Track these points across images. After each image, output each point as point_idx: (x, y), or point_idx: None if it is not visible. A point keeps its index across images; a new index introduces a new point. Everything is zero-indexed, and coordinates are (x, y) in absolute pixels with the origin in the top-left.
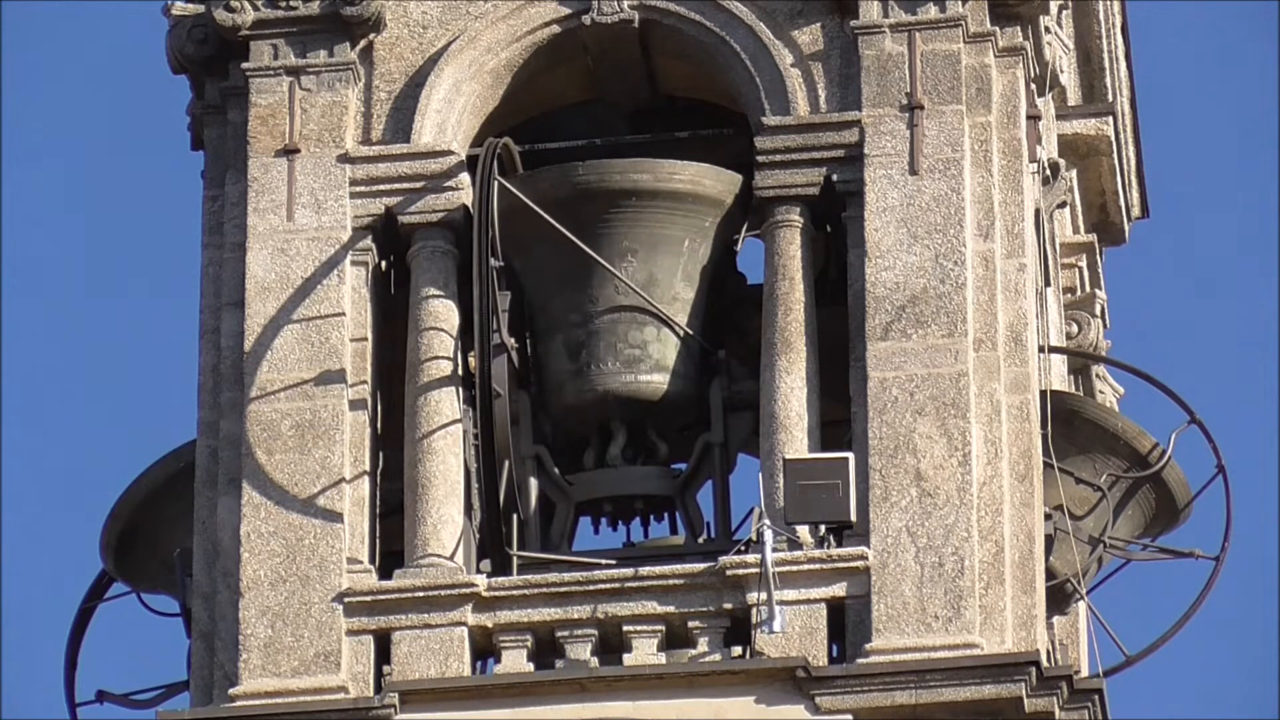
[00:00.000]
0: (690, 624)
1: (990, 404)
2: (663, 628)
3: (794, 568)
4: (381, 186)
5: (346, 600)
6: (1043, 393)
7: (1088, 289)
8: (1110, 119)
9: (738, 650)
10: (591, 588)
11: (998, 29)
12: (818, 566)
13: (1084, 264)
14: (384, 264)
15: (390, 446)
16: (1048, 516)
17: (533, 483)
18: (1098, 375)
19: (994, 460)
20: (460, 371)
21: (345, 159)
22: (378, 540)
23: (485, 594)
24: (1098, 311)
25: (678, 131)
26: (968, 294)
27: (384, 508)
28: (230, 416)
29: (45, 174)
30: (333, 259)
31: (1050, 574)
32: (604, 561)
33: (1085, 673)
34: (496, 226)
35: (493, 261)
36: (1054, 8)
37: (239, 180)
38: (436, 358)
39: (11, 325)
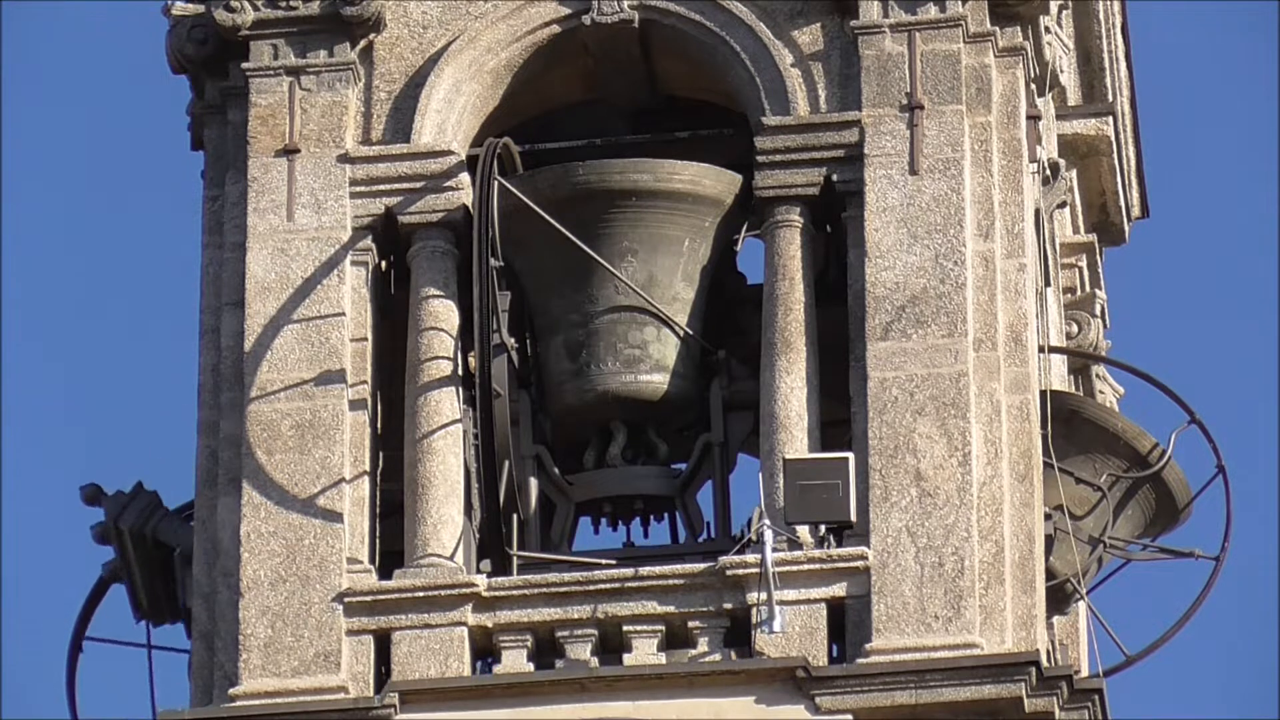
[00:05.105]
0: (690, 624)
1: (990, 404)
2: (663, 628)
3: (794, 568)
4: (381, 186)
5: (346, 600)
6: (1043, 393)
7: (1088, 289)
8: (1110, 119)
9: (738, 650)
10: (591, 588)
11: (998, 29)
12: (818, 566)
13: (1084, 264)
14: (384, 264)
15: (390, 446)
16: (1048, 516)
17: (533, 483)
18: (1098, 375)
19: (994, 460)
20: (460, 371)
21: (345, 159)
22: (378, 540)
23: (485, 594)
24: (1098, 311)
25: (678, 131)
26: (968, 294)
27: (384, 508)
28: (230, 416)
29: (45, 174)
30: (333, 259)
31: (1050, 574)
32: (604, 561)
33: (1085, 673)
34: (496, 226)
35: (493, 261)
36: (1054, 8)
37: (239, 180)
38: (436, 358)
39: (11, 325)
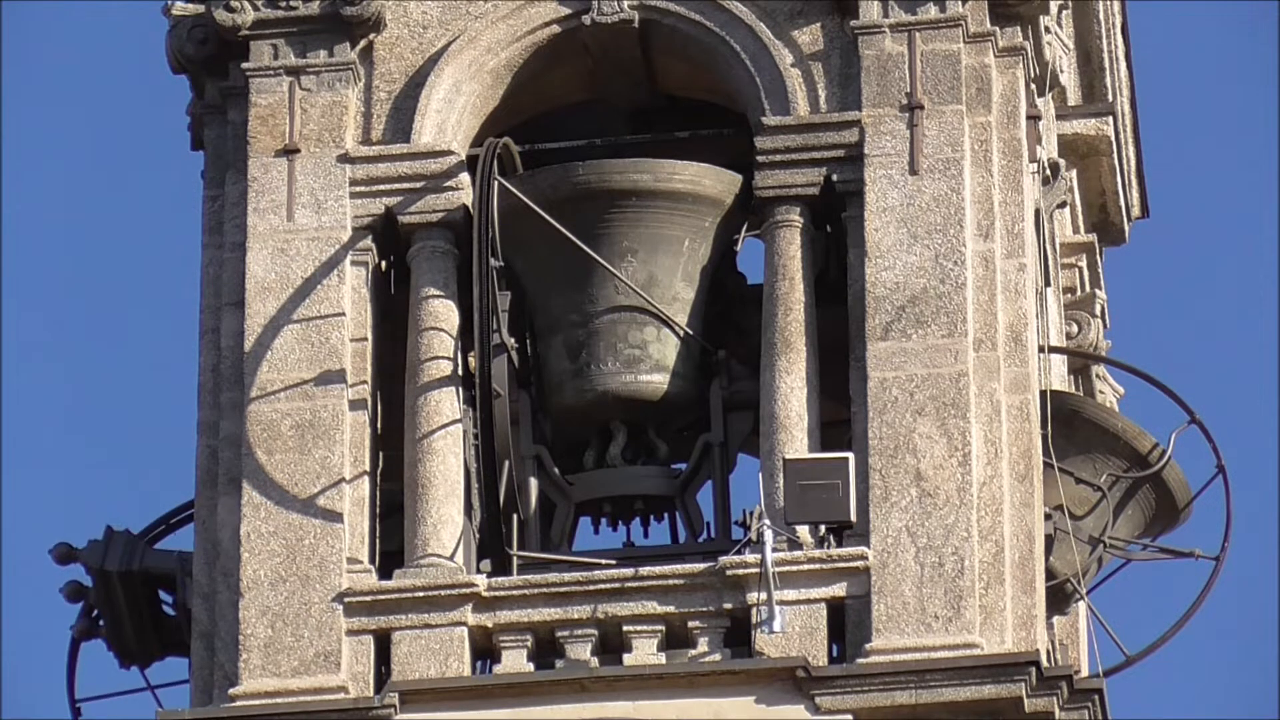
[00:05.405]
0: (690, 624)
1: (990, 404)
2: (663, 628)
3: (794, 568)
4: (381, 186)
5: (346, 600)
6: (1043, 393)
7: (1088, 289)
8: (1110, 119)
9: (737, 650)
10: (591, 588)
11: (998, 29)
12: (818, 566)
13: (1084, 264)
14: (384, 264)
15: (390, 446)
16: (1048, 516)
17: (533, 483)
18: (1098, 375)
19: (994, 460)
20: (460, 371)
21: (345, 159)
22: (378, 540)
23: (485, 594)
24: (1098, 311)
25: (678, 131)
26: (968, 294)
27: (384, 508)
28: (230, 416)
29: (45, 174)
30: (333, 259)
31: (1050, 574)
32: (604, 561)
33: (1085, 673)
34: (496, 226)
35: (493, 261)
36: (1054, 8)
37: (239, 180)
38: (436, 358)
39: (11, 325)
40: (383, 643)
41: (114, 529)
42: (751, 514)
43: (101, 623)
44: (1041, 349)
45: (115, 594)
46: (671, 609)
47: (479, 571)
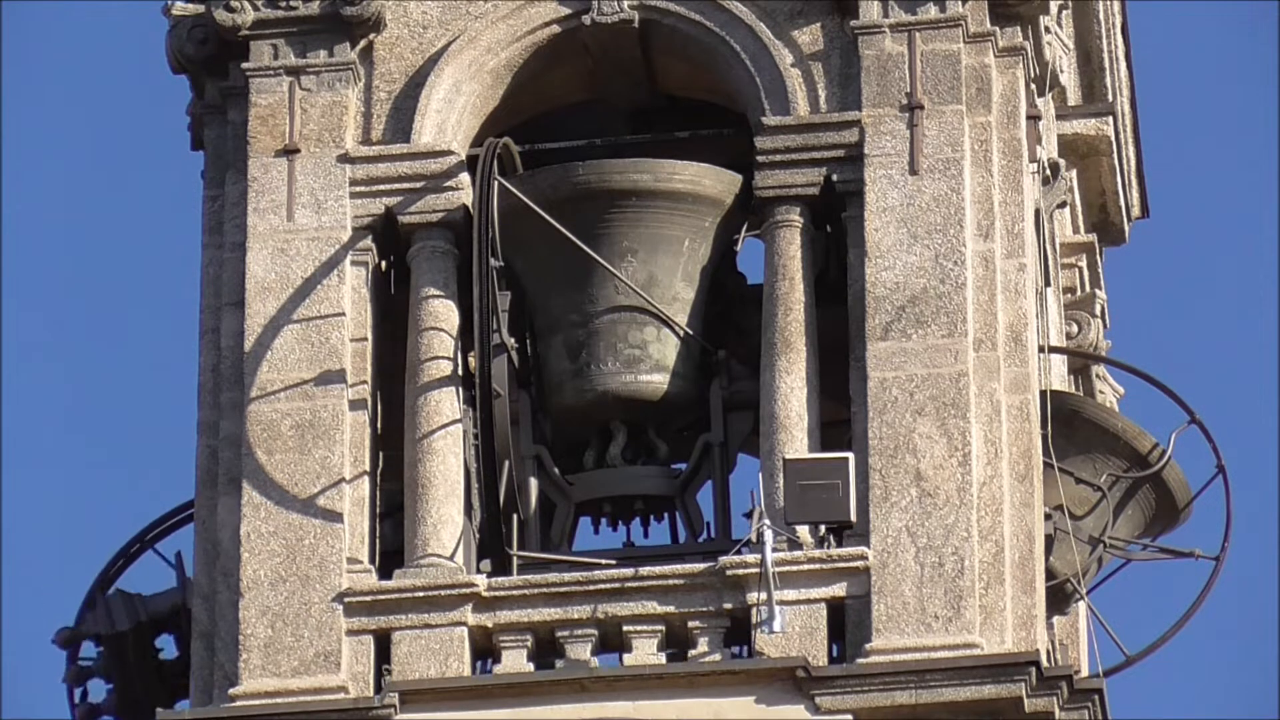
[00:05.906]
0: (690, 624)
1: (990, 404)
2: (663, 628)
3: (794, 568)
4: (381, 186)
5: (346, 600)
6: (1043, 393)
7: (1088, 289)
8: (1110, 119)
9: (737, 650)
10: (591, 588)
11: (998, 29)
12: (818, 566)
13: (1084, 264)
14: (384, 264)
15: (390, 446)
16: (1048, 516)
17: (533, 483)
18: (1098, 375)
19: (994, 460)
20: (460, 371)
21: (345, 159)
22: (378, 540)
23: (485, 594)
24: (1098, 311)
25: (678, 131)
26: (968, 294)
27: (384, 508)
28: (230, 416)
29: (45, 174)
30: (333, 259)
31: (1050, 574)
32: (604, 561)
33: (1085, 673)
34: (496, 226)
35: (493, 261)
36: (1054, 8)
37: (239, 180)
38: (436, 358)
39: (11, 326)
40: (383, 643)
41: (99, 593)
42: (755, 499)
43: (104, 698)
44: (1041, 349)
45: (127, 654)
46: (671, 609)
47: (479, 571)
